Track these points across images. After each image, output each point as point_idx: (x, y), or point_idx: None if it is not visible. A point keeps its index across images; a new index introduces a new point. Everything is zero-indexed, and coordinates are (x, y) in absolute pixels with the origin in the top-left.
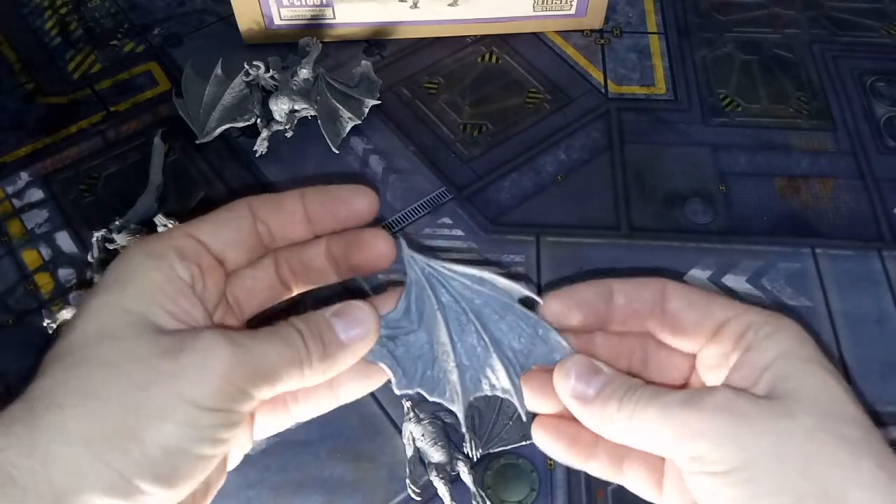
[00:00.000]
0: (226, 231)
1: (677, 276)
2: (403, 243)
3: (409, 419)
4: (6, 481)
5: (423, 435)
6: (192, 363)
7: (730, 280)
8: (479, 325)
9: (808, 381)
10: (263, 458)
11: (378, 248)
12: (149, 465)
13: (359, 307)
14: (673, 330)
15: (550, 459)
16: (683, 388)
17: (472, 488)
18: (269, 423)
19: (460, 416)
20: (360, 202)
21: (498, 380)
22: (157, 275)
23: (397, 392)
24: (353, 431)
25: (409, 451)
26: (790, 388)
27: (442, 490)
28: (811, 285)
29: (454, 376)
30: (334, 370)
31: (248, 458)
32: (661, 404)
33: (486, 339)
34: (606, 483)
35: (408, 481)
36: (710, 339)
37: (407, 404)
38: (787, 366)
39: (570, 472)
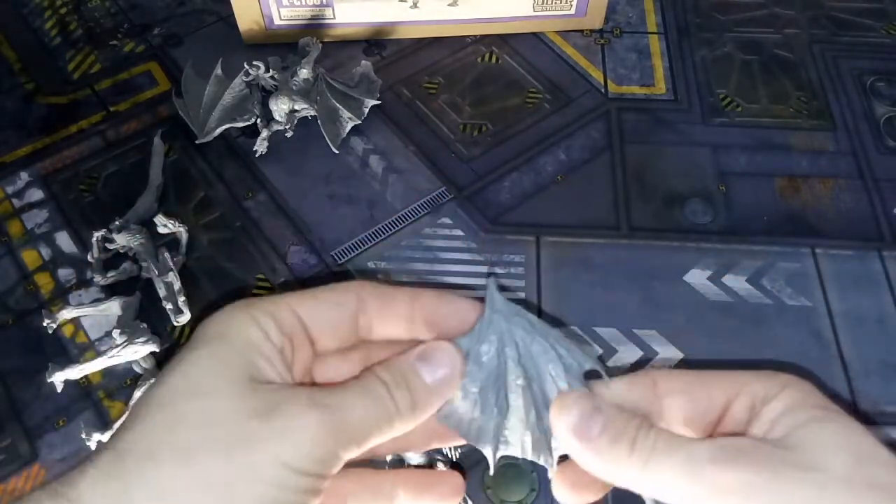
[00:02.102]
0: (327, 314)
1: (677, 275)
2: (493, 285)
3: None
4: None
5: None
6: (284, 427)
7: (729, 280)
8: (532, 392)
9: (828, 428)
10: None
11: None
12: None
13: (442, 349)
14: (673, 424)
15: None
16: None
17: None
18: None
19: (491, 463)
20: (471, 316)
21: (529, 446)
22: (257, 333)
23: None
24: None
25: (389, 455)
26: (810, 437)
27: None
28: (811, 285)
29: (492, 427)
30: (423, 416)
31: None
32: (685, 456)
33: (533, 409)
34: None
35: None
36: (718, 422)
37: None
38: (803, 415)
39: None
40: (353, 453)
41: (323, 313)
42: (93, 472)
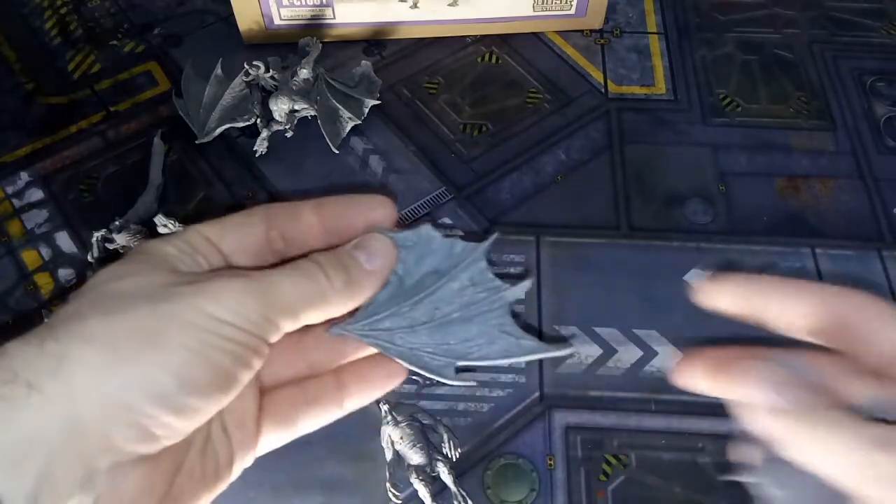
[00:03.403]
0: (235, 236)
1: (677, 275)
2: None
3: (387, 422)
4: (20, 384)
5: (401, 438)
6: (208, 287)
7: None
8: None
9: None
10: (263, 458)
11: (375, 215)
12: (171, 365)
13: (377, 238)
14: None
15: (551, 459)
16: None
17: (453, 488)
18: (276, 436)
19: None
20: (377, 212)
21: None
22: (173, 250)
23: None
24: (353, 431)
25: (389, 455)
26: None
27: (422, 492)
28: None
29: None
30: (359, 296)
31: None
32: (853, 435)
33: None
34: (606, 483)
35: (388, 485)
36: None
37: (384, 407)
38: None
39: (570, 472)
40: (290, 323)
41: (231, 233)
42: (20, 338)
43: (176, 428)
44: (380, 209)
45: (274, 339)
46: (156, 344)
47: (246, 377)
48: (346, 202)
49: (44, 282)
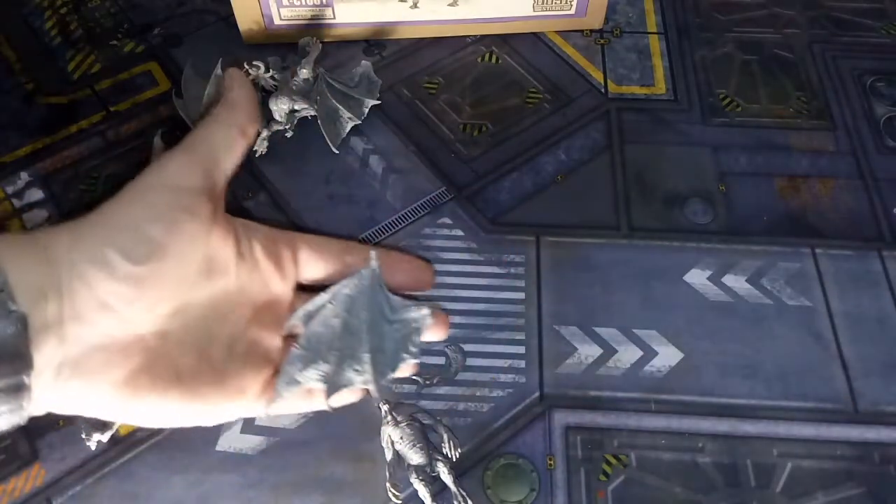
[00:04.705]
0: (326, 263)
1: (677, 275)
2: (374, 256)
3: (387, 423)
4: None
5: (401, 438)
6: (160, 163)
7: (729, 280)
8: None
9: None
10: (263, 458)
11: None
12: (121, 233)
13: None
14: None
15: (551, 459)
16: None
17: (453, 488)
18: None
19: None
20: (422, 283)
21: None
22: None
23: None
24: (353, 431)
25: (389, 455)
26: None
27: (422, 492)
28: (811, 285)
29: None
30: (244, 113)
31: (247, 458)
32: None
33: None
34: (606, 483)
35: (388, 485)
36: None
37: (384, 408)
38: None
39: (570, 472)
40: (219, 167)
41: (327, 258)
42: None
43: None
44: (423, 276)
45: (219, 186)
46: (112, 219)
47: (191, 224)
48: (404, 263)
49: None
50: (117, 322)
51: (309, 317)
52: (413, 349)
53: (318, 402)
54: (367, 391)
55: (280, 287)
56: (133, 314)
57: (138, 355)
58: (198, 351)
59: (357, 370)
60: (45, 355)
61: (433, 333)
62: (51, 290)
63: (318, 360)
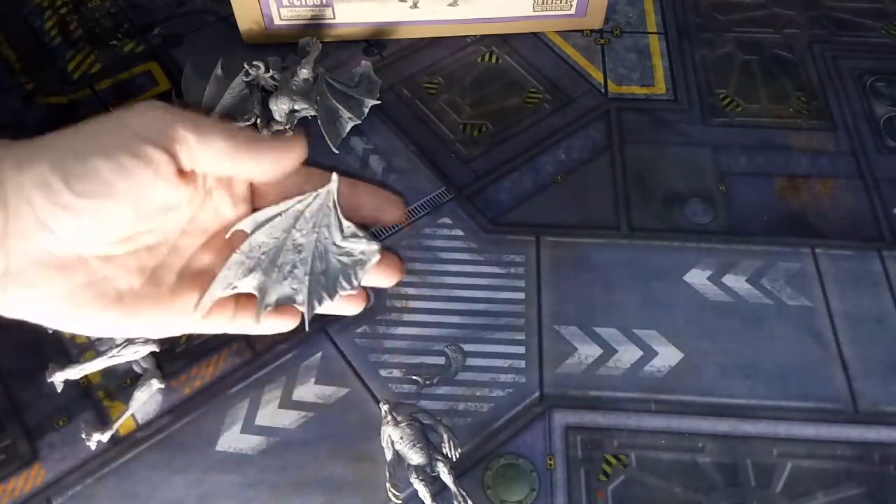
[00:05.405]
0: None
1: (677, 275)
2: (334, 179)
3: (387, 423)
4: None
5: (401, 438)
6: (138, 107)
7: (729, 280)
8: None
9: None
10: (263, 458)
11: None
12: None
13: (295, 156)
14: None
15: (551, 459)
16: None
17: (453, 488)
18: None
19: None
20: (389, 214)
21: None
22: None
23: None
24: (353, 431)
25: (389, 455)
26: None
27: (422, 492)
28: (811, 285)
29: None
30: (248, 163)
31: (247, 458)
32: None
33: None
34: (606, 483)
35: (388, 485)
36: None
37: (384, 407)
38: None
39: (570, 472)
40: (194, 139)
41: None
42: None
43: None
44: (389, 207)
45: (179, 149)
46: (71, 147)
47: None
48: (370, 194)
49: None
50: (57, 243)
51: (257, 225)
52: (354, 282)
53: (246, 323)
54: (302, 319)
55: (233, 214)
56: (73, 239)
57: (80, 274)
58: (144, 274)
59: (293, 289)
60: None
61: (381, 276)
62: None
63: (256, 270)
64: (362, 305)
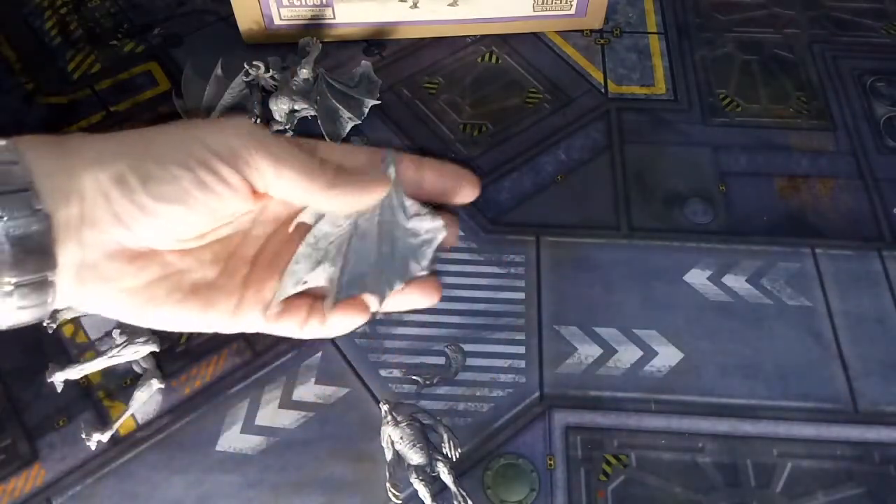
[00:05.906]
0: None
1: (677, 275)
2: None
3: (387, 423)
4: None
5: (401, 438)
6: (221, 124)
7: (729, 280)
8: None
9: None
10: (263, 458)
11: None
12: (142, 169)
13: (379, 188)
14: None
15: (551, 459)
16: None
17: (453, 488)
18: None
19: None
20: (465, 192)
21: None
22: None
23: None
24: (353, 431)
25: (389, 455)
26: None
27: (422, 492)
28: (811, 285)
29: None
30: (329, 202)
31: (248, 458)
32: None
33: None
34: (606, 483)
35: (388, 485)
36: None
37: (384, 408)
38: None
39: (570, 472)
40: (268, 168)
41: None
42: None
43: (143, 215)
44: (466, 189)
45: (255, 178)
46: (144, 152)
47: (207, 199)
48: (440, 173)
49: None
50: (132, 237)
51: (319, 215)
52: (424, 262)
53: (315, 328)
54: (373, 314)
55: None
56: (147, 235)
57: (154, 267)
58: (218, 266)
59: (363, 276)
60: (67, 256)
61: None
62: (73, 194)
63: (324, 262)
64: (436, 296)
